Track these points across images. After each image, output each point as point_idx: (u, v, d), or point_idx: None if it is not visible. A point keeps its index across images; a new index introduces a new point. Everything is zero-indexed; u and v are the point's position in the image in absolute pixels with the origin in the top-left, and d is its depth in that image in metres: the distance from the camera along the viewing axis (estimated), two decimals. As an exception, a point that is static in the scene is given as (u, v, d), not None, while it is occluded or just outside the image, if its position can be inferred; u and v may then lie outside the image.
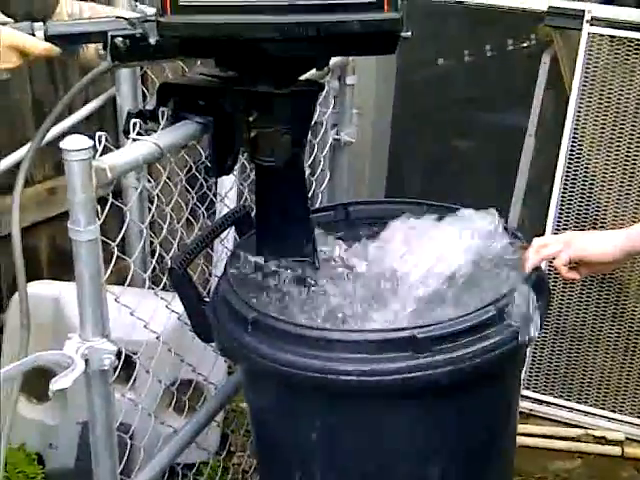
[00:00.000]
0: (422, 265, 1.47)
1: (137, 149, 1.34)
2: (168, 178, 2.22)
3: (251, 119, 1.41)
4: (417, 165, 3.46)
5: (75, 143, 1.19)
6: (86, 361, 1.27)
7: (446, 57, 3.41)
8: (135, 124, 1.37)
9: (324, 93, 2.02)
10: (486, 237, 1.52)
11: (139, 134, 1.37)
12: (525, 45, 3.39)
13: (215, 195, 2.21)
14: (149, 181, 2.35)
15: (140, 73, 2.25)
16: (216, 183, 2.15)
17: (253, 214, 1.66)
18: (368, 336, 1.35)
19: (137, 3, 1.96)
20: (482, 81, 3.42)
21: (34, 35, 1.28)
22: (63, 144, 1.20)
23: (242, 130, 1.44)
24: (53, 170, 2.47)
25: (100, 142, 1.26)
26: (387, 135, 3.25)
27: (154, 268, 1.93)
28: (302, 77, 1.46)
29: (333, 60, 1.92)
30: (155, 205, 1.94)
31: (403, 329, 1.33)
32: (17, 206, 1.25)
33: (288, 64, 1.37)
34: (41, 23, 1.29)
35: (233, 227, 1.72)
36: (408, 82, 3.34)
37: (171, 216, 2.01)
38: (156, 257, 1.97)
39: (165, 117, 1.43)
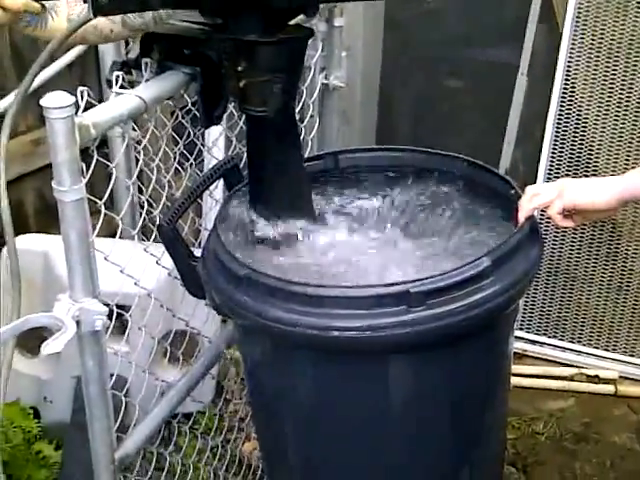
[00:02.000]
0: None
1: (121, 103, 1.29)
2: (154, 127, 2.17)
3: (239, 68, 1.37)
4: (408, 106, 3.41)
5: (56, 100, 1.15)
6: (77, 322, 1.25)
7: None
8: (118, 77, 1.32)
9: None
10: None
11: (122, 87, 1.33)
12: (516, -22, 3.30)
13: (203, 144, 2.16)
14: (134, 130, 2.30)
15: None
16: (203, 132, 2.11)
17: (242, 165, 1.63)
18: (360, 292, 1.32)
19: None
20: (472, 16, 3.35)
21: None
22: (43, 101, 1.15)
23: (230, 79, 1.39)
24: (37, 120, 2.42)
25: (82, 97, 1.22)
26: (377, 76, 3.18)
27: (144, 218, 1.90)
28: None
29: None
30: (142, 156, 1.90)
31: (396, 284, 1.31)
32: (2, 159, 1.21)
33: (276, 11, 1.32)
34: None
35: (222, 179, 1.68)
36: (396, 20, 3.26)
37: (159, 167, 1.97)
38: (145, 210, 1.94)
39: (149, 68, 1.39)
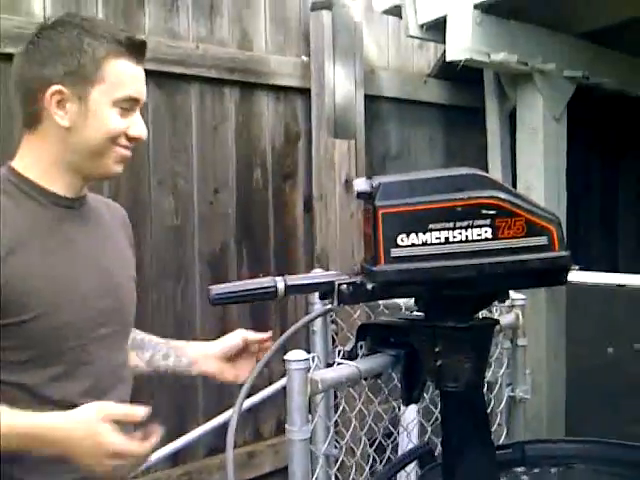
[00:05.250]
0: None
1: (342, 370, 1.60)
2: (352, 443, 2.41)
3: (437, 350, 1.64)
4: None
5: (296, 355, 1.49)
6: None
7: (615, 345, 3.54)
8: (340, 352, 1.64)
9: (497, 354, 2.24)
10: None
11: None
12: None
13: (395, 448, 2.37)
14: (335, 447, 2.56)
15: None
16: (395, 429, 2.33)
17: (435, 450, 1.83)
18: None
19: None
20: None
21: (276, 288, 1.56)
22: (287, 355, 1.48)
23: (428, 361, 1.67)
24: (252, 436, 2.73)
25: (313, 360, 1.54)
26: (562, 391, 3.31)
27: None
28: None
29: (504, 322, 2.17)
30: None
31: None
32: (231, 461, 1.47)
33: (472, 300, 1.62)
34: (281, 277, 1.55)
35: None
36: (578, 369, 3.45)
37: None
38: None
39: (362, 349, 1.70)
